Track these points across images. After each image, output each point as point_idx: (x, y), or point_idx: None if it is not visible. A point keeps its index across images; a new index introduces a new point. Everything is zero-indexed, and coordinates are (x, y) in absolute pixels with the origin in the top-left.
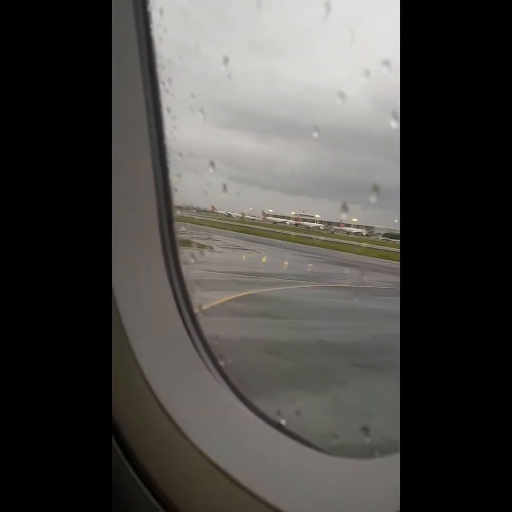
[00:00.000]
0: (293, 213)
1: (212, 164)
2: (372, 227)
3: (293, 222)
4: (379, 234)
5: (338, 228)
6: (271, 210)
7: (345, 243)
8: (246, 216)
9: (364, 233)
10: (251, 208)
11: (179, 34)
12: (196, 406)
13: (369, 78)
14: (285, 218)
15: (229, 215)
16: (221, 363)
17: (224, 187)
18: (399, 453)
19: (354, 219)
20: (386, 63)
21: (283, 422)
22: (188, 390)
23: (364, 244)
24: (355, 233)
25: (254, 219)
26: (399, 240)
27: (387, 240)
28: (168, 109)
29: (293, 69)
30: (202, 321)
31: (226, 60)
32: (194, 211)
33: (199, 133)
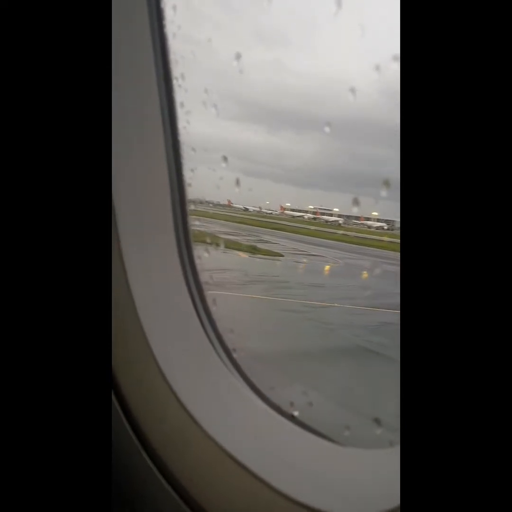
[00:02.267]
0: (311, 206)
1: (225, 158)
2: (393, 221)
3: (311, 216)
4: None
5: (358, 222)
6: (288, 204)
7: (375, 239)
8: (262, 210)
9: (385, 227)
10: (267, 202)
11: (190, 28)
12: (210, 397)
13: (379, 71)
14: (302, 212)
15: (246, 210)
16: (235, 355)
17: (237, 182)
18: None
19: (374, 213)
20: (396, 58)
21: (296, 413)
22: (202, 381)
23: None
24: (376, 227)
25: (271, 213)
26: None
27: None
28: (182, 104)
29: (301, 60)
30: None
31: (238, 56)
32: (211, 205)
33: (212, 127)
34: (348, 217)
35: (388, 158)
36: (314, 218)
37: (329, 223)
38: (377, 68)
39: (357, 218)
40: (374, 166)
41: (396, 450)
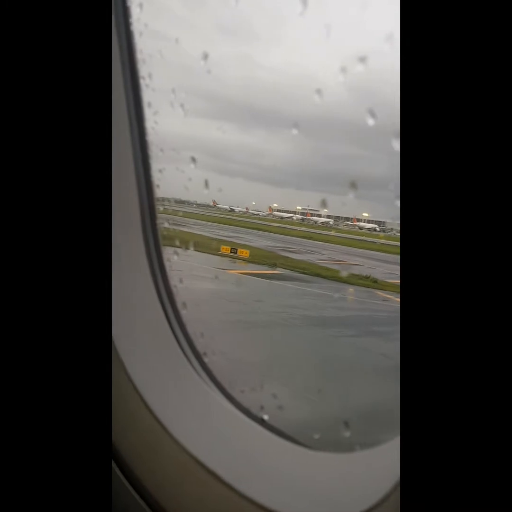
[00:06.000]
0: (299, 207)
1: (193, 159)
2: (383, 222)
3: (299, 217)
4: (392, 229)
5: (351, 223)
6: (275, 205)
7: (382, 243)
8: (249, 210)
9: (377, 229)
10: (253, 203)
11: (157, 26)
12: (180, 403)
13: (346, 70)
14: (290, 213)
15: (232, 210)
16: (205, 359)
17: (206, 183)
18: (380, 446)
19: (365, 214)
20: (362, 59)
21: (265, 417)
22: (172, 387)
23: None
24: (368, 229)
25: (259, 214)
26: None
27: None
28: (149, 104)
29: (271, 54)
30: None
31: (205, 55)
32: (194, 206)
33: (182, 126)
34: (337, 218)
35: (360, 156)
36: (302, 219)
37: (318, 224)
38: (344, 68)
39: (348, 219)
40: (346, 164)
41: (365, 453)
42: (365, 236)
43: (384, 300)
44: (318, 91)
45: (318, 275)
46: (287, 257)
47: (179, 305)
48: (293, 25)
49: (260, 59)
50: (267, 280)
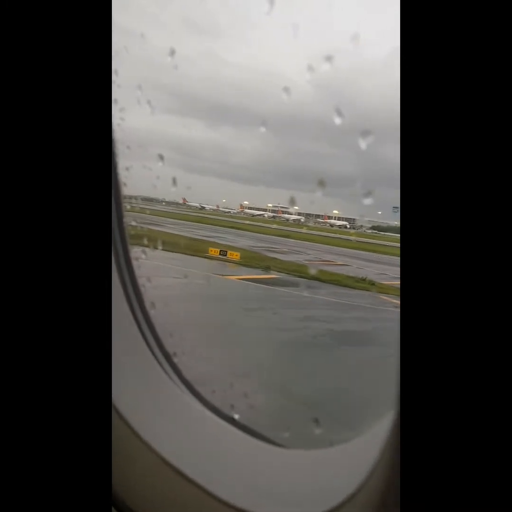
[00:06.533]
0: (269, 205)
1: (161, 157)
2: (353, 219)
3: (270, 214)
4: (361, 226)
5: (322, 221)
6: (246, 202)
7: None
8: (220, 208)
9: (348, 226)
10: (224, 200)
11: (123, 21)
12: (149, 405)
13: (313, 68)
14: (261, 210)
15: (203, 208)
16: (175, 359)
17: (174, 181)
18: (349, 443)
19: (335, 211)
20: (328, 58)
21: (236, 416)
22: (141, 389)
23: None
24: (339, 226)
25: (230, 212)
26: (388, 233)
27: (376, 233)
28: (116, 101)
29: (236, 51)
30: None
31: (172, 52)
32: (164, 204)
33: (149, 123)
34: (308, 215)
35: (327, 153)
36: (273, 217)
37: (290, 222)
38: (311, 66)
39: (319, 216)
40: (315, 161)
41: (336, 449)
42: (340, 234)
43: (395, 307)
44: (286, 89)
45: (317, 279)
46: (275, 258)
47: (147, 304)
48: (260, 24)
49: (227, 56)
50: (270, 287)
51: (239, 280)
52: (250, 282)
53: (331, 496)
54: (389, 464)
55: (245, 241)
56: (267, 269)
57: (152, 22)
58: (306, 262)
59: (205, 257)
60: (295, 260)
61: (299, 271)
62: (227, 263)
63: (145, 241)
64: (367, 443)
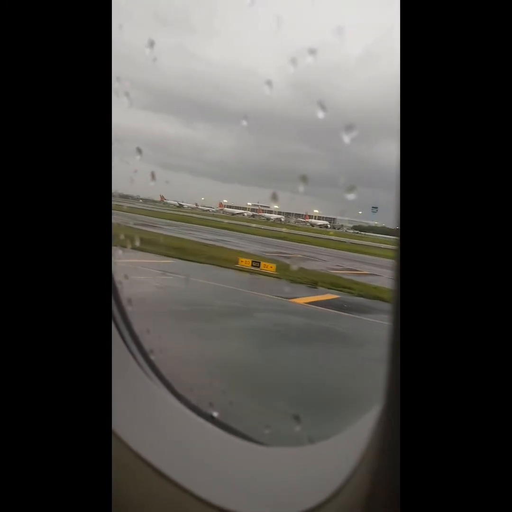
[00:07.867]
0: (249, 203)
1: (139, 150)
2: (333, 219)
3: (250, 213)
4: (342, 226)
5: (303, 220)
6: (225, 201)
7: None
8: (199, 206)
9: (329, 226)
10: (203, 198)
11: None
12: (126, 403)
13: (295, 64)
14: (241, 209)
15: (181, 206)
16: (152, 357)
17: (153, 175)
18: (329, 440)
19: (316, 211)
20: (312, 51)
21: (215, 414)
22: (117, 387)
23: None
24: (320, 226)
25: (209, 210)
26: (369, 234)
27: (357, 233)
28: None
29: (209, 48)
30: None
31: (151, 43)
32: (141, 201)
33: (125, 118)
34: (288, 214)
35: (305, 153)
36: (253, 216)
37: (271, 221)
38: (293, 61)
39: (299, 215)
40: (292, 161)
41: (317, 446)
42: (323, 233)
43: None
44: (268, 83)
45: (377, 298)
46: (303, 268)
47: (124, 301)
48: (241, 20)
49: (203, 52)
50: (355, 316)
51: (306, 304)
52: (321, 307)
53: (314, 494)
54: (372, 460)
55: (250, 245)
56: (313, 284)
57: (124, 15)
58: (333, 271)
59: (232, 268)
60: (319, 268)
61: (341, 285)
62: (261, 276)
63: (172, 252)
64: (350, 440)
